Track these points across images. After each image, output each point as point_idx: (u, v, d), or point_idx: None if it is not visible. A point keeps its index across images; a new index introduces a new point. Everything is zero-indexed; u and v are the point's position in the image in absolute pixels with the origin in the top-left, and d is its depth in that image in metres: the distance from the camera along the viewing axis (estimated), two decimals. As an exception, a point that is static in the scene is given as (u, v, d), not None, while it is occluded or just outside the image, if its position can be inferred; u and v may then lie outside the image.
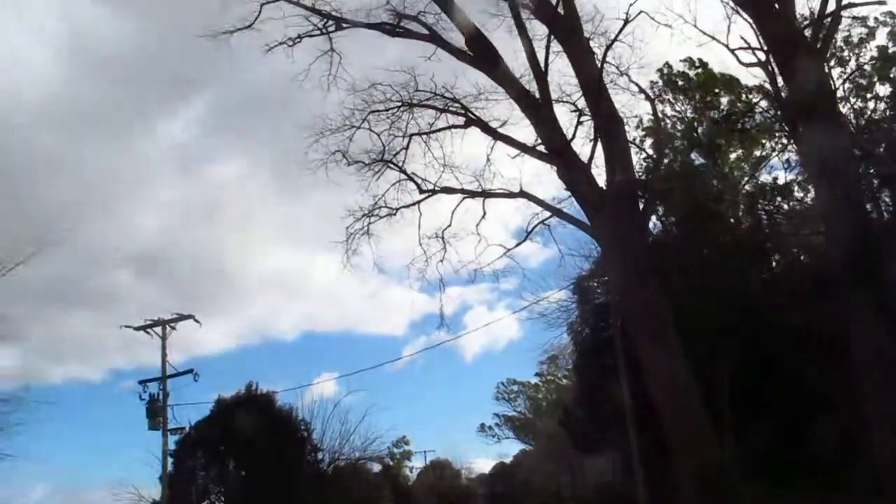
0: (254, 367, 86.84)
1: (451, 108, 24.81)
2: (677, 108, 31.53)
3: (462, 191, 25.05)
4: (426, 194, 25.30)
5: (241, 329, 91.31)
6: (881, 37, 29.46)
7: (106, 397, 77.34)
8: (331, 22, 24.64)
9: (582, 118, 24.04)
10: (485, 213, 25.42)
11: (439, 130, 25.22)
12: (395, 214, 25.47)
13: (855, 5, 25.93)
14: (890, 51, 29.21)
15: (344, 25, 24.77)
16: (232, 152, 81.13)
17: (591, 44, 23.84)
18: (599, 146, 22.94)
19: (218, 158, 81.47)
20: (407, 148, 25.26)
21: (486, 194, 25.03)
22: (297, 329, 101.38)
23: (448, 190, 25.12)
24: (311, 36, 24.64)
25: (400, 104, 24.92)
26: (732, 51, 26.59)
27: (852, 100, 29.72)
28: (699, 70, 31.06)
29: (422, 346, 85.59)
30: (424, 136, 25.23)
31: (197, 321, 34.46)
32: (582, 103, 23.99)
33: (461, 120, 24.87)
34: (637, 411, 25.40)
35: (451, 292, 26.38)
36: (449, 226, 25.59)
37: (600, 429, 30.67)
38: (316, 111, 25.70)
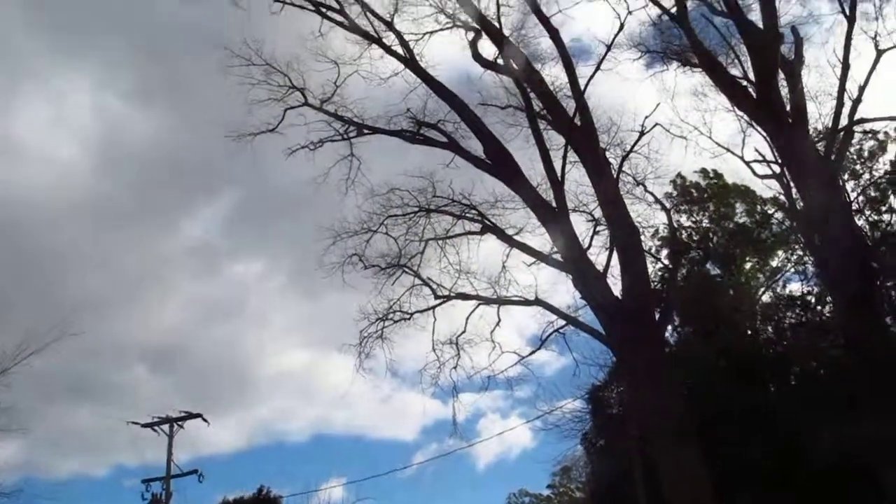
0: (262, 468, 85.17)
1: (467, 215, 24.98)
2: (692, 219, 31.75)
3: (477, 297, 24.94)
4: (441, 300, 25.17)
5: (252, 429, 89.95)
6: (893, 150, 29.90)
7: (109, 494, 75.47)
8: (352, 128, 25.20)
9: (598, 227, 24.21)
10: (499, 320, 25.23)
11: (456, 236, 25.31)
12: (409, 319, 25.32)
13: (867, 121, 26.47)
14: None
15: (365, 132, 25.33)
16: (252, 252, 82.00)
17: (608, 154, 24.25)
18: (615, 256, 22.98)
19: (238, 257, 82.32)
20: (423, 253, 25.30)
21: (500, 301, 24.90)
22: (308, 431, 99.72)
23: (463, 296, 25.01)
24: (332, 141, 25.21)
25: (417, 209, 25.12)
26: (747, 163, 27.10)
27: (867, 212, 29.87)
28: (714, 181, 31.44)
29: (433, 453, 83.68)
30: (441, 242, 25.28)
31: (205, 420, 33.95)
32: (598, 213, 24.19)
33: (478, 226, 25.00)
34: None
35: (464, 399, 26.02)
36: (463, 332, 25.34)
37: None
38: (334, 214, 26.02)
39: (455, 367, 25.43)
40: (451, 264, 25.16)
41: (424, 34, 25.46)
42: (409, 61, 24.99)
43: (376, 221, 25.07)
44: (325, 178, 25.09)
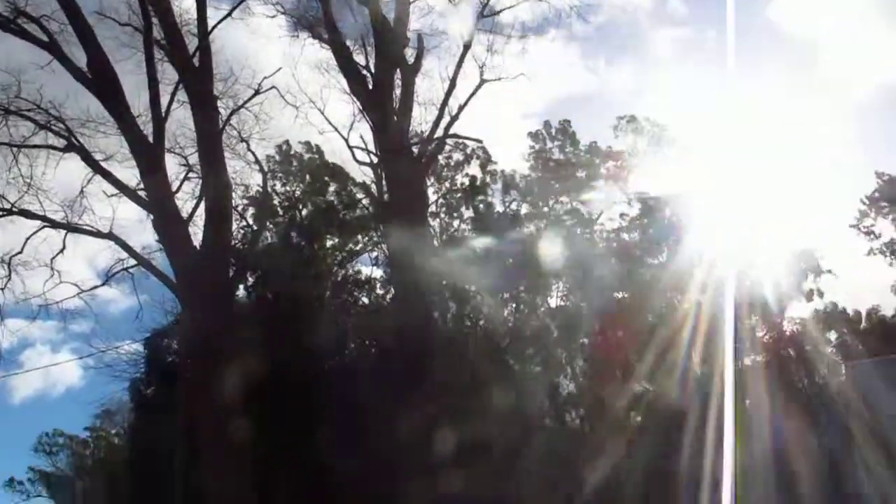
0: None
1: (53, 127, 22.86)
2: (287, 188, 32.43)
3: (44, 218, 22.99)
4: (1, 213, 22.84)
5: None
6: (474, 167, 33.41)
7: None
8: (-69, -10, 21.69)
9: (191, 174, 23.81)
10: (64, 247, 23.56)
11: (34, 147, 23.06)
12: (-42, 226, 22.59)
13: (459, 137, 29.39)
14: (478, 182, 33.20)
15: (-52, 0, 21.94)
16: None
17: (219, 104, 23.90)
18: (202, 206, 22.76)
19: None
20: (-9, 157, 22.67)
21: (70, 227, 23.21)
22: None
23: (27, 213, 22.87)
24: None
25: (-5, 107, 22.44)
26: (350, 147, 28.33)
27: (443, 215, 33.03)
28: (315, 156, 32.39)
29: (-39, 379, 75.10)
30: (15, 150, 22.84)
31: None
32: (194, 159, 23.77)
33: (62, 142, 23.01)
34: (186, 483, 24.53)
35: (10, 325, 24.09)
36: (20, 252, 23.29)
37: (148, 497, 28.96)
38: None
39: (3, 289, 23.43)
40: (21, 176, 22.90)
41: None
42: (26, -62, 22.12)
43: (-63, 107, 21.93)
44: None
